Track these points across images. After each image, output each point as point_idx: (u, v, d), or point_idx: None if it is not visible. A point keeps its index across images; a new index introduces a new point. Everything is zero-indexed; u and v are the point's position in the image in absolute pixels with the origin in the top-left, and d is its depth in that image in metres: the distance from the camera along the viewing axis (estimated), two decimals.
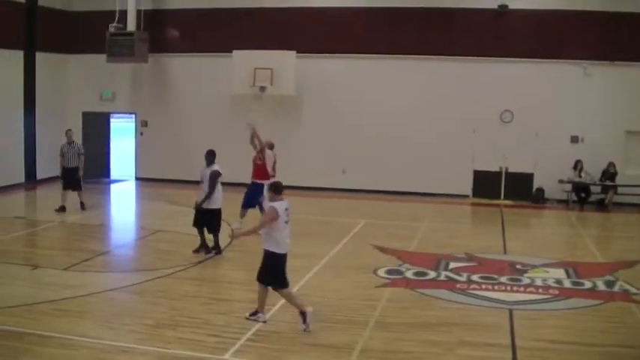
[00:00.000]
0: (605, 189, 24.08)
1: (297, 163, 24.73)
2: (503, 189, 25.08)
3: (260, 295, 11.40)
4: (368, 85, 25.66)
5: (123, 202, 26.24)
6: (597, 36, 23.90)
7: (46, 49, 26.92)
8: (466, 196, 25.30)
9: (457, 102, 24.89)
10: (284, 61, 25.09)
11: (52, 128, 24.49)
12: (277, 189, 11.57)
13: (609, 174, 23.86)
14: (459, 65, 25.00)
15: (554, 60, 24.32)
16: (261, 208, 17.16)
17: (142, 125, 28.23)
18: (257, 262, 11.49)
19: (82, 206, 21.49)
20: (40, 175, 26.13)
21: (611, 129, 24.10)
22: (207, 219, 15.89)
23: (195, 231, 16.14)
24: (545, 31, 24.44)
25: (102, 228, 20.11)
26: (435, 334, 11.08)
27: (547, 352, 10.44)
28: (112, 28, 26.07)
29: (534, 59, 24.45)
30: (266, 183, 17.06)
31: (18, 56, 25.84)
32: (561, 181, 24.13)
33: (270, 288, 11.29)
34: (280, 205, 11.26)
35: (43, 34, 26.51)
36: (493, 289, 13.66)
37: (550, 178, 24.39)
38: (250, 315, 11.38)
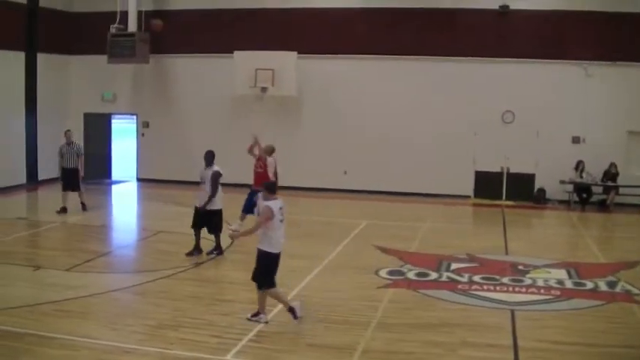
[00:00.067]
0: (606, 189, 24.05)
1: (298, 163, 24.75)
2: (505, 189, 25.08)
3: (260, 297, 11.42)
4: (369, 85, 25.66)
5: (124, 203, 26.26)
6: (599, 36, 23.86)
7: (48, 50, 26.94)
8: (467, 197, 25.30)
9: (459, 102, 24.89)
10: (285, 61, 25.10)
11: (54, 129, 24.46)
12: (271, 188, 11.67)
13: (611, 174, 23.85)
14: (461, 66, 24.99)
15: (556, 60, 24.31)
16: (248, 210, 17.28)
17: (143, 126, 28.22)
18: None
19: (83, 207, 21.49)
20: (41, 176, 26.13)
21: (613, 129, 24.09)
22: (208, 220, 15.88)
23: (193, 232, 16.11)
24: (546, 32, 24.43)
25: (104, 229, 20.11)
26: (437, 335, 11.07)
27: (549, 352, 10.44)
28: (113, 29, 26.08)
29: (536, 59, 24.44)
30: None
31: (19, 57, 25.86)
32: (563, 182, 24.12)
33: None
34: (275, 204, 11.33)
35: (44, 35, 26.52)
36: (495, 290, 13.65)
37: (552, 178, 24.38)
38: (252, 316, 11.38)
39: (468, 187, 25.40)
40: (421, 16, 25.12)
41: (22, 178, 26.13)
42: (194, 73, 27.22)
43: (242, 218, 18.04)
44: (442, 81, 25.12)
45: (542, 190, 24.78)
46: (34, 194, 25.60)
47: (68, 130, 21.75)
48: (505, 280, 14.32)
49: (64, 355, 9.94)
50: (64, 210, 21.00)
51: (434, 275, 14.70)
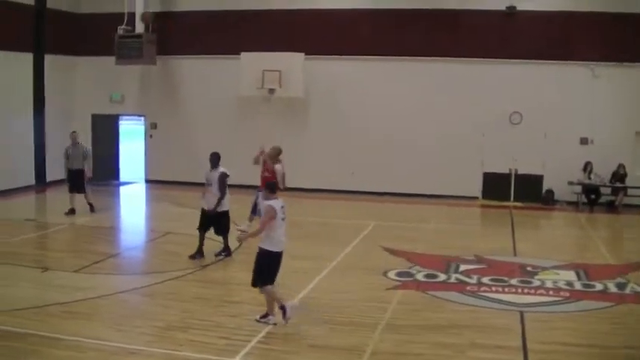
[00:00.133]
0: (614, 190, 24.00)
1: (305, 165, 24.75)
2: (513, 191, 25.02)
3: (268, 298, 11.45)
4: (376, 86, 25.63)
5: (132, 205, 26.31)
6: (605, 37, 23.79)
7: (55, 51, 26.94)
8: (475, 198, 25.25)
9: (466, 104, 24.86)
10: (292, 63, 25.05)
11: (62, 130, 24.44)
12: (272, 188, 11.75)
13: (619, 175, 23.78)
14: (468, 67, 24.96)
15: (563, 61, 24.24)
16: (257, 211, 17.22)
17: (151, 127, 28.23)
18: None
19: (91, 208, 21.50)
20: (49, 178, 26.12)
21: (621, 130, 24.05)
22: (216, 221, 15.88)
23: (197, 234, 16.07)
24: (553, 33, 24.36)
25: (112, 230, 20.16)
26: (446, 337, 11.05)
27: (558, 354, 10.42)
28: (121, 30, 26.12)
29: (543, 61, 24.37)
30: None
31: (27, 58, 25.87)
32: (571, 183, 24.05)
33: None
34: (277, 204, 11.42)
35: (51, 37, 26.53)
36: (504, 292, 13.62)
37: (560, 179, 24.31)
38: (261, 317, 11.40)
39: (475, 188, 25.35)
40: (428, 18, 25.10)
41: (31, 180, 26.15)
42: (201, 74, 27.22)
43: (250, 219, 18.03)
44: (449, 82, 25.07)
45: (550, 192, 24.73)
46: (43, 196, 25.64)
47: (74, 132, 21.77)
48: (514, 281, 14.29)
49: (70, 357, 9.97)
50: (72, 211, 21.03)
51: (442, 277, 14.68)
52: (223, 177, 15.67)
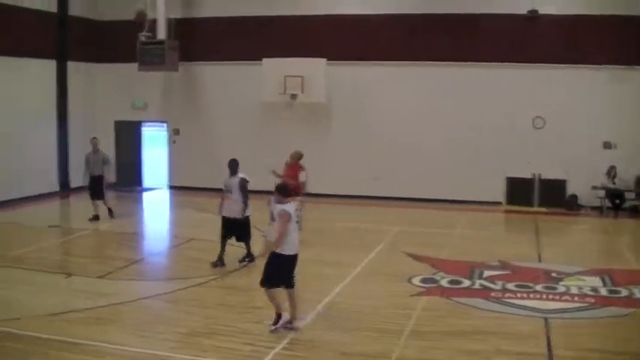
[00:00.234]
0: (639, 195, 23.81)
1: (328, 170, 24.70)
2: (537, 196, 24.88)
3: (291, 304, 11.45)
4: (398, 91, 25.57)
5: (156, 211, 26.38)
6: (629, 40, 23.60)
7: (78, 58, 27.19)
8: (499, 204, 25.11)
9: (489, 108, 24.73)
10: (314, 68, 25.01)
11: (85, 137, 24.46)
12: (286, 191, 11.72)
13: None
14: (491, 71, 24.81)
15: (586, 65, 24.03)
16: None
17: (174, 134, 28.30)
18: None
19: (110, 214, 21.57)
20: (73, 184, 26.28)
21: None
22: (238, 228, 15.85)
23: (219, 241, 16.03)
24: (575, 36, 24.15)
25: (135, 236, 20.25)
26: (471, 343, 10.99)
27: None
28: (143, 37, 26.19)
29: (566, 64, 24.16)
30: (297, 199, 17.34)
31: (50, 66, 26.10)
32: (595, 188, 23.88)
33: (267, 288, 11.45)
34: (290, 207, 11.43)
35: (74, 44, 26.76)
36: (528, 298, 13.53)
37: (583, 184, 24.15)
38: (286, 323, 11.36)
39: (499, 193, 25.22)
40: (450, 22, 24.99)
41: (55, 186, 26.36)
42: (223, 80, 27.28)
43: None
44: (472, 87, 24.94)
45: (574, 197, 24.56)
46: (66, 202, 25.81)
47: (94, 138, 21.87)
48: (538, 287, 14.18)
49: None
50: (96, 217, 21.13)
51: (467, 283, 14.60)
52: (244, 182, 15.64)
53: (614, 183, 23.75)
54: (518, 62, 24.52)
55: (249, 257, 15.90)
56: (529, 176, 24.85)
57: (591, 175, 23.83)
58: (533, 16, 24.31)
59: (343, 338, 11.06)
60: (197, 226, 20.51)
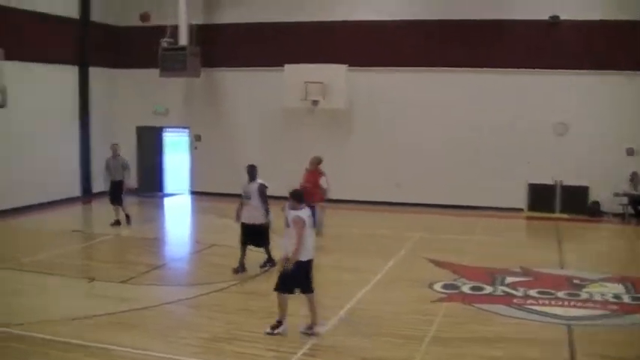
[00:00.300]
0: None
1: (349, 176, 24.67)
2: (559, 202, 24.75)
3: (312, 309, 11.47)
4: (419, 97, 25.49)
5: (177, 216, 26.44)
6: None
7: (99, 64, 27.38)
8: (520, 210, 25.00)
9: (510, 115, 24.58)
10: (335, 74, 25.00)
11: (107, 142, 24.59)
12: (299, 197, 11.74)
13: None
14: (512, 77, 24.70)
15: (608, 71, 23.88)
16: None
17: (196, 139, 28.38)
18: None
19: (128, 220, 21.59)
20: (95, 189, 26.41)
21: None
22: (257, 233, 15.82)
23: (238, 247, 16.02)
24: (597, 42, 23.96)
25: (157, 242, 20.32)
26: (493, 350, 10.97)
27: None
28: (165, 43, 26.28)
29: (588, 70, 24.01)
30: (319, 204, 17.45)
31: (73, 71, 26.29)
32: (617, 194, 23.73)
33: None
34: (304, 213, 11.47)
35: (96, 50, 26.96)
36: (551, 305, 13.47)
37: (606, 191, 24.00)
38: (306, 329, 11.40)
39: (521, 199, 25.11)
40: (470, 28, 24.89)
41: (77, 191, 26.52)
42: (244, 86, 27.34)
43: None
44: (493, 93, 24.83)
45: (596, 203, 24.41)
46: (88, 207, 25.97)
47: (115, 144, 22.00)
48: (561, 294, 14.12)
49: None
50: (117, 223, 21.22)
51: (489, 289, 14.55)
52: (263, 188, 15.65)
53: (636, 189, 23.60)
54: (539, 68, 24.40)
55: (270, 262, 15.88)
56: (551, 182, 24.72)
57: (614, 182, 23.67)
58: (554, 22, 24.19)
59: (364, 344, 11.07)
60: (218, 231, 20.51)
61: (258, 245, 15.96)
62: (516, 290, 14.39)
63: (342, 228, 20.65)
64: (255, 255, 16.08)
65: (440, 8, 25.20)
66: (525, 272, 15.91)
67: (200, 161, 28.33)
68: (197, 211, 26.83)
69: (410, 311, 12.95)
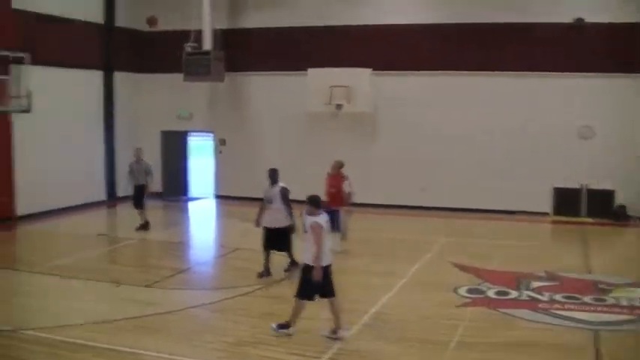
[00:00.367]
0: None
1: (373, 180, 24.63)
2: (585, 206, 24.57)
3: (335, 313, 11.47)
4: (443, 101, 25.42)
5: (202, 220, 26.50)
6: None
7: (124, 68, 27.59)
8: (546, 214, 24.85)
9: (535, 118, 24.44)
10: (359, 78, 24.98)
11: (131, 147, 24.79)
12: (317, 203, 11.74)
13: None
14: (536, 80, 24.56)
15: (631, 74, 23.71)
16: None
17: (220, 144, 28.44)
18: (337, 278, 11.66)
19: (146, 225, 21.61)
20: (120, 193, 26.52)
21: None
22: (279, 237, 15.79)
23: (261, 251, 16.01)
24: (622, 45, 23.79)
25: (181, 246, 20.39)
26: (519, 355, 10.92)
27: None
28: (189, 47, 26.35)
29: (612, 73, 23.82)
30: (343, 208, 17.37)
31: (98, 76, 26.47)
32: None
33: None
34: (322, 219, 11.48)
35: (120, 54, 27.15)
36: (577, 309, 13.37)
37: (632, 194, 23.82)
38: (330, 333, 11.38)
39: (546, 203, 24.96)
40: (494, 32, 24.74)
41: (102, 195, 26.66)
42: (269, 90, 27.40)
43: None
44: (518, 96, 24.66)
45: (622, 207, 24.23)
46: (113, 211, 26.08)
47: (139, 148, 22.10)
48: (587, 299, 14.02)
49: None
50: (142, 227, 21.28)
51: (514, 294, 14.47)
52: (285, 192, 15.60)
53: None
54: (564, 72, 24.16)
55: (294, 265, 15.82)
56: (576, 186, 24.56)
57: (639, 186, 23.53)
58: (579, 25, 24.01)
59: (389, 348, 11.05)
60: (243, 235, 20.48)
61: (280, 249, 15.94)
62: (542, 295, 14.31)
63: (368, 232, 20.61)
64: (280, 259, 16.08)
65: (472, 11, 24.89)
66: (551, 277, 15.81)
67: (225, 165, 28.40)
68: (221, 215, 26.89)
69: (435, 316, 12.91)
